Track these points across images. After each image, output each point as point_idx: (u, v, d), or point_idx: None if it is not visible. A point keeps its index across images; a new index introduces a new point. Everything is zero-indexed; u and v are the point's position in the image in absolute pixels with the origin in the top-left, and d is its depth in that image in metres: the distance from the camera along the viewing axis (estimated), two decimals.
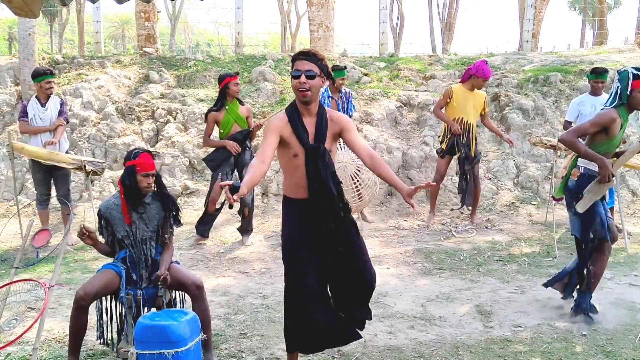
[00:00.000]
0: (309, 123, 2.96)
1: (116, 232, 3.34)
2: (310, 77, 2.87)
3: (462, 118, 6.29)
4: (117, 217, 3.34)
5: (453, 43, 20.29)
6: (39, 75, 5.90)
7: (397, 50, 16.84)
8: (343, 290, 3.12)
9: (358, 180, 5.77)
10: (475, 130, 6.37)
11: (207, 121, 5.77)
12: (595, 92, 6.11)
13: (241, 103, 5.87)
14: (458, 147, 6.33)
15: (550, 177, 6.71)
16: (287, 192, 3.07)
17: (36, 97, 5.97)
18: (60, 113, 6.02)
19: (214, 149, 5.87)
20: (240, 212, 5.97)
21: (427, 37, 29.77)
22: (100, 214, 3.37)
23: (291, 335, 3.04)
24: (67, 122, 6.17)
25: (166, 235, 3.40)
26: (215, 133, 5.96)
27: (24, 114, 5.93)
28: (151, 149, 8.01)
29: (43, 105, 5.93)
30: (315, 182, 2.91)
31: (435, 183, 6.08)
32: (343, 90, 6.54)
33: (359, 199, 5.74)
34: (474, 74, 6.21)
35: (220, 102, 5.74)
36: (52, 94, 5.98)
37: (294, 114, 2.96)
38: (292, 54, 3.78)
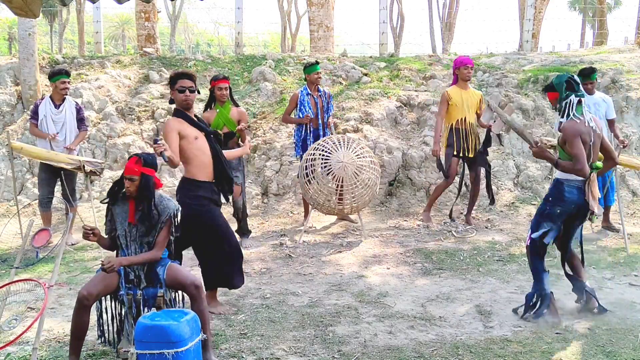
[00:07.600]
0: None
1: (118, 228, 3.38)
2: None
3: (464, 118, 6.32)
4: (122, 214, 3.38)
5: (453, 43, 20.30)
6: (54, 75, 5.85)
7: (397, 50, 16.81)
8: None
9: (358, 181, 5.77)
10: (475, 129, 6.38)
11: None
12: (587, 92, 6.12)
13: (236, 105, 5.79)
14: (461, 148, 6.36)
15: (550, 177, 6.70)
16: None
17: (50, 97, 5.89)
18: (80, 120, 6.01)
19: None
20: (235, 214, 5.96)
21: (427, 37, 29.77)
22: (109, 207, 3.43)
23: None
24: (87, 130, 6.25)
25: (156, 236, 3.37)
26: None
27: (34, 114, 5.86)
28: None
29: (57, 106, 5.86)
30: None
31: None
32: (322, 90, 6.55)
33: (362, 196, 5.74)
34: (457, 69, 6.40)
35: (210, 104, 5.73)
36: (66, 94, 5.93)
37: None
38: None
